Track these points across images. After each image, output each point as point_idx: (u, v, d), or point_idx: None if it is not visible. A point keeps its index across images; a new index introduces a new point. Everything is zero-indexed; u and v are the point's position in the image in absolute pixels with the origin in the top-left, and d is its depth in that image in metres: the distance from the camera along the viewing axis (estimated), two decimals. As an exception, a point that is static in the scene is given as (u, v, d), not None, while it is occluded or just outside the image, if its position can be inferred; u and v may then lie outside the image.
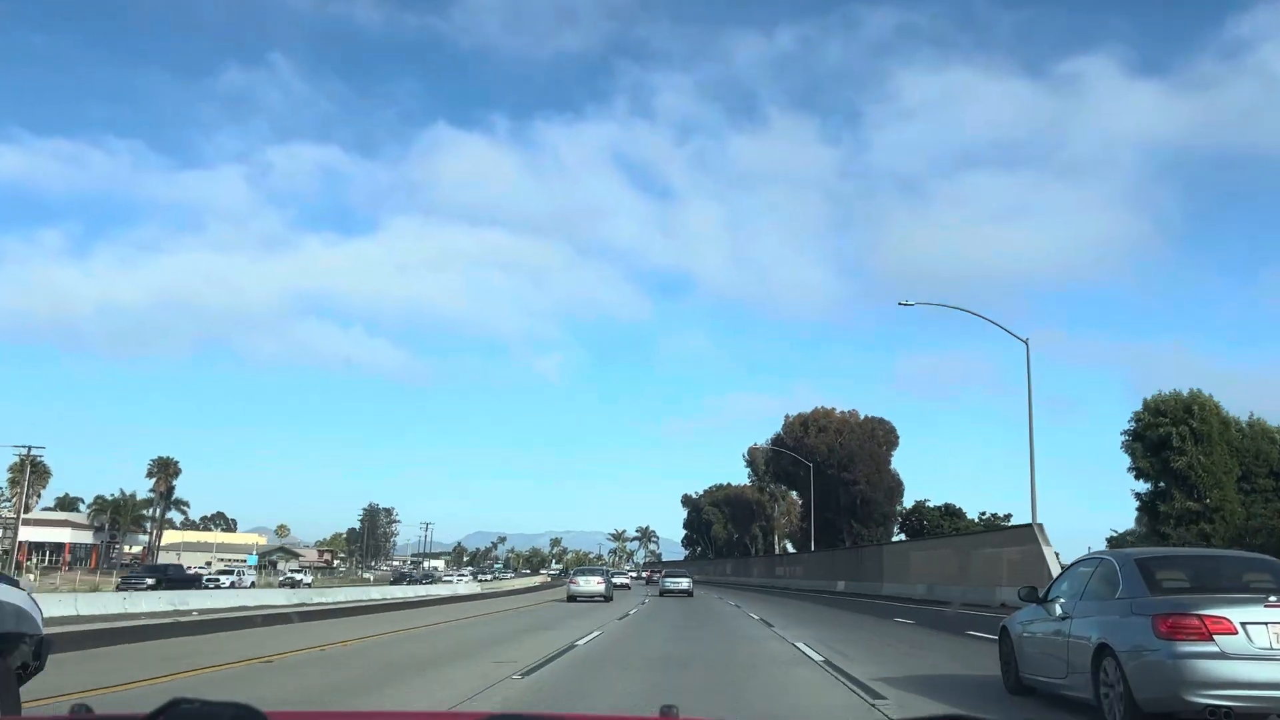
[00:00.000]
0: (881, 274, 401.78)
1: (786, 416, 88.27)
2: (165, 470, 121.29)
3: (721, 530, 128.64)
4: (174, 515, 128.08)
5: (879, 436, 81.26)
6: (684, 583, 45.40)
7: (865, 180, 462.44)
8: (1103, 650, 8.02)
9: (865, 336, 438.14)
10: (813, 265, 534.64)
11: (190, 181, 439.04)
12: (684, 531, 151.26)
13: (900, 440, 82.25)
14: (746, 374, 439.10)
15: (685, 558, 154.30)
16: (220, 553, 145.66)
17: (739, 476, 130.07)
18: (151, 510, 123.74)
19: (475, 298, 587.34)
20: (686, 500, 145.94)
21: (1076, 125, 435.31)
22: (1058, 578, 10.21)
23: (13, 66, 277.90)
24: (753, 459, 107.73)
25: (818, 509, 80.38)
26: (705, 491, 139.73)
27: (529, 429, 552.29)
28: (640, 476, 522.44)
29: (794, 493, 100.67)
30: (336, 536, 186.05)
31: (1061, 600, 9.40)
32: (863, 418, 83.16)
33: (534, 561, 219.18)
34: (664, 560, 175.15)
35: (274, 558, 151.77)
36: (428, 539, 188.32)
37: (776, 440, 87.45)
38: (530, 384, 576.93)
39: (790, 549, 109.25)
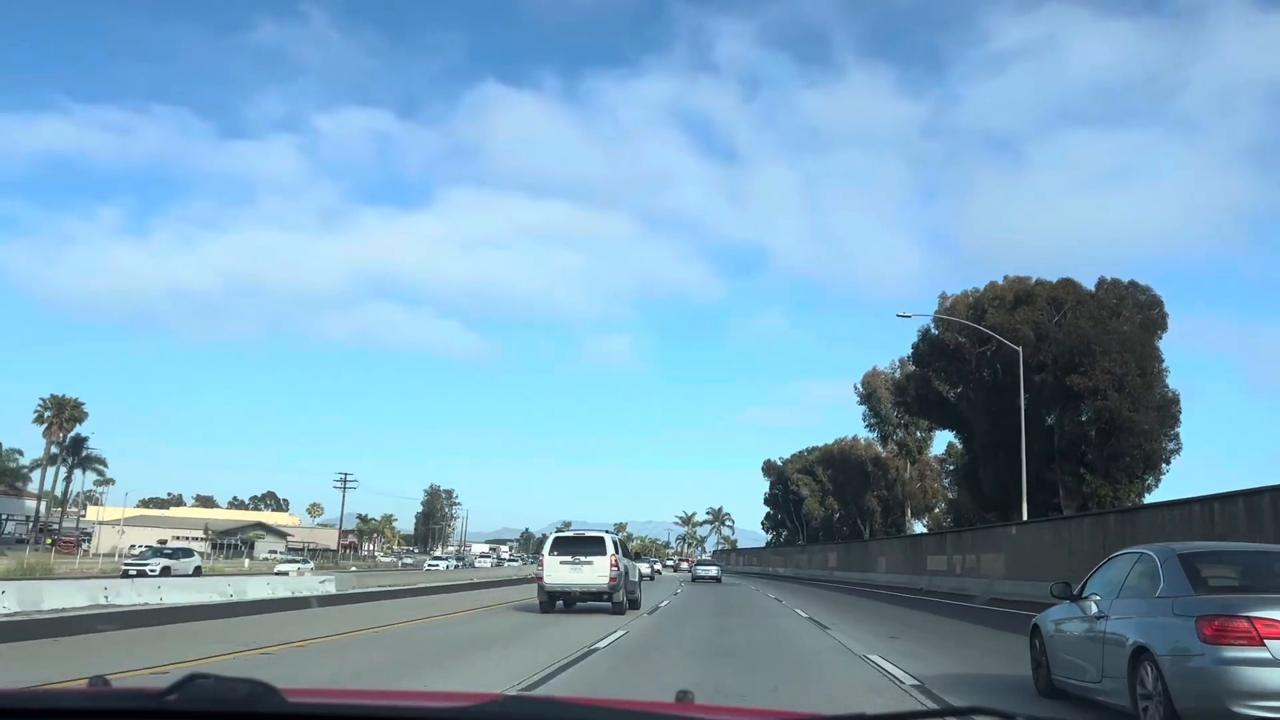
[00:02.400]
0: (972, 246, 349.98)
1: (944, 295, 51.24)
2: (60, 413, 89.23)
3: (817, 506, 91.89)
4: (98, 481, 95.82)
5: (1129, 315, 43.70)
6: (713, 570, 55.32)
7: (952, 139, 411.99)
8: (1140, 654, 7.34)
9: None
10: (896, 236, 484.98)
11: (240, 151, 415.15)
12: (765, 510, 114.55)
13: (1170, 322, 44.58)
14: (827, 358, 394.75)
15: (767, 544, 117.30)
16: (176, 529, 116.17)
17: (845, 429, 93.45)
18: (54, 469, 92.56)
19: (540, 275, 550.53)
20: (769, 468, 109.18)
21: (1194, 69, 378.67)
22: (1093, 572, 9.20)
23: (43, 24, 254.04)
24: (872, 390, 70.75)
25: (1004, 451, 43.47)
26: (794, 456, 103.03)
27: (600, 414, 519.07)
28: (718, 464, 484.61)
29: (944, 435, 63.53)
30: (387, 518, 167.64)
31: (1096, 597, 8.58)
32: (1096, 284, 45.65)
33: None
34: (740, 549, 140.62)
35: (249, 536, 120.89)
36: (465, 526, 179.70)
37: (924, 337, 50.60)
38: (600, 366, 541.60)
39: (919, 528, 71.93)
